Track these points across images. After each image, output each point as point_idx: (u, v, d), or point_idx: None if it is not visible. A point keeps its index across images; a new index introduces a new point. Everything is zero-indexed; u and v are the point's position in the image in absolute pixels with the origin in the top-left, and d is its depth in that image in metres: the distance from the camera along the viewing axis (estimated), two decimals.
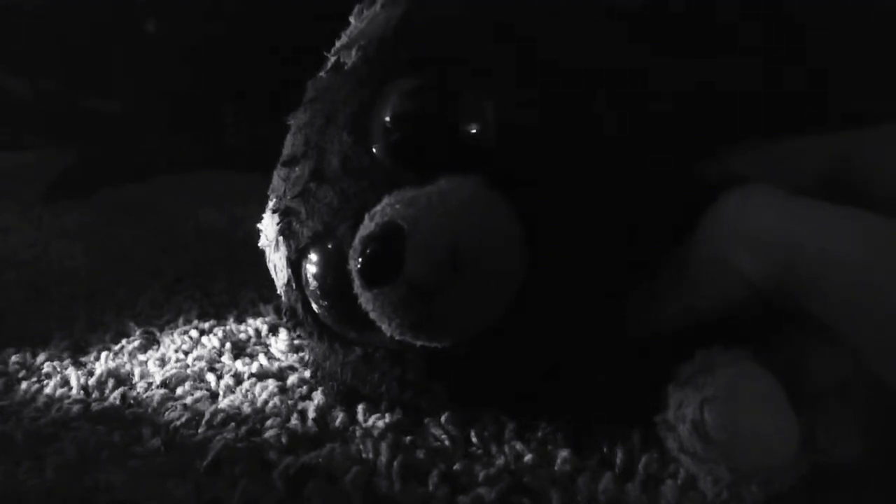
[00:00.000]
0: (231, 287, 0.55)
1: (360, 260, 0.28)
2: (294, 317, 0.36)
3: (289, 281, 0.35)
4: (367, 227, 0.29)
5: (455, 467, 0.31)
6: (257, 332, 0.47)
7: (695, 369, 0.28)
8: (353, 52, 0.33)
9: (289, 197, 0.34)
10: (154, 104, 0.92)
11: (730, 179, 0.30)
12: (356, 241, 0.29)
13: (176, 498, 0.30)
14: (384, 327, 0.29)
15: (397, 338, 0.29)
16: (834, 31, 0.34)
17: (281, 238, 0.34)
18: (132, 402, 0.38)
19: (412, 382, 0.34)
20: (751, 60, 0.33)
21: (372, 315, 0.29)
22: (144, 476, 0.31)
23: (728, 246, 0.28)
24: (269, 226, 0.35)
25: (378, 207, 0.29)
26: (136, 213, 0.79)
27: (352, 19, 0.35)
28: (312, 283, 0.33)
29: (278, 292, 0.37)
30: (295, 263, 0.34)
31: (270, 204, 0.36)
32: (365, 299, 0.29)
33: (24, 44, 0.90)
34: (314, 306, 0.34)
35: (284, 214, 0.34)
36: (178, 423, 0.35)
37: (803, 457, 0.27)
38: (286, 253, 0.34)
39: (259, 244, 0.36)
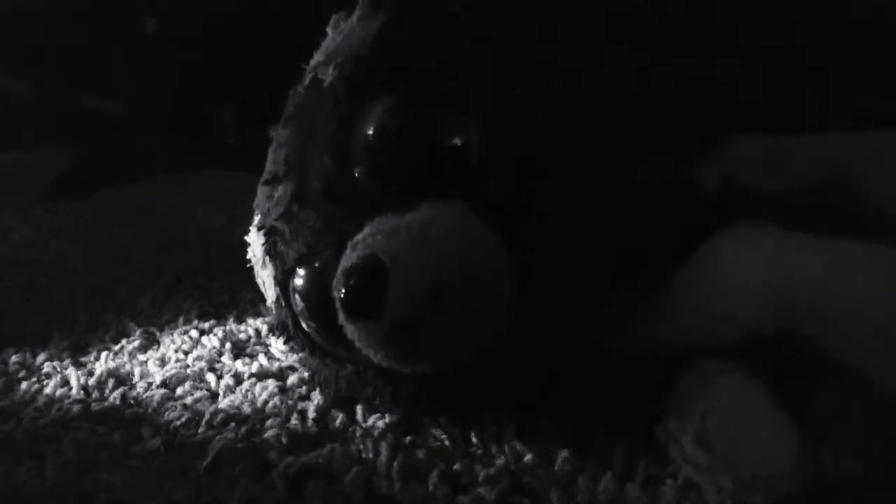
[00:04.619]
0: (231, 287, 0.55)
1: (343, 292, 0.28)
2: (286, 331, 0.36)
3: (278, 299, 0.35)
4: (349, 257, 0.29)
5: (455, 467, 0.31)
6: (257, 332, 0.47)
7: (694, 380, 0.28)
8: (331, 70, 0.33)
9: (273, 217, 0.34)
10: (154, 104, 0.92)
11: (729, 182, 0.30)
12: (339, 273, 0.29)
13: (176, 498, 0.30)
14: (370, 356, 0.29)
15: (384, 366, 0.30)
16: (834, 31, 0.34)
17: (267, 258, 0.34)
18: (132, 402, 0.38)
19: (404, 398, 0.34)
20: (748, 61, 0.33)
21: (357, 345, 0.29)
22: (144, 476, 0.31)
23: (725, 298, 0.28)
24: (255, 242, 0.35)
25: (359, 237, 0.29)
26: (136, 213, 0.79)
27: (329, 31, 0.35)
28: (300, 304, 0.33)
29: (268, 306, 0.37)
30: (282, 283, 0.34)
31: (255, 220, 0.36)
32: (350, 331, 0.29)
33: (25, 44, 0.90)
34: (303, 325, 0.34)
35: (269, 234, 0.34)
36: (178, 423, 0.35)
37: (805, 467, 0.27)
38: (273, 272, 0.34)
39: (248, 257, 0.37)
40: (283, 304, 0.35)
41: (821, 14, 0.34)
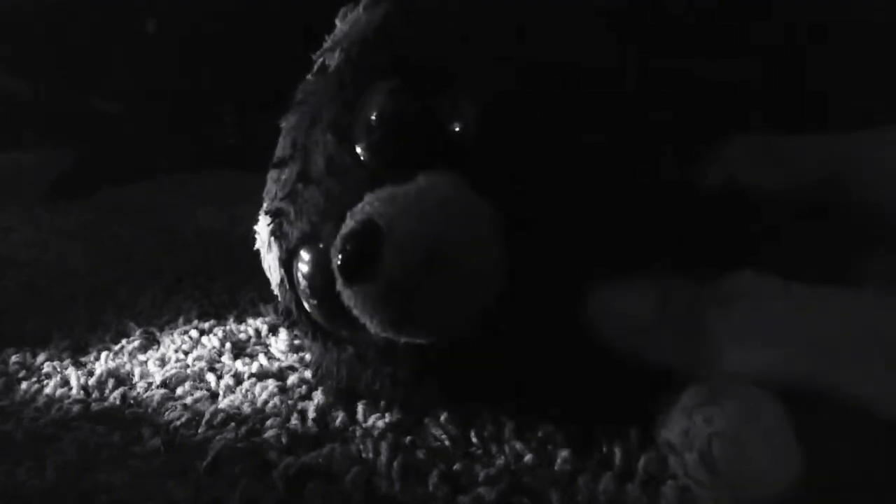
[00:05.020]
0: (231, 287, 0.55)
1: (339, 257, 0.29)
2: (290, 316, 0.36)
3: (282, 281, 0.35)
4: (347, 224, 0.29)
5: (455, 467, 0.31)
6: (257, 332, 0.47)
7: (702, 399, 0.28)
8: (336, 55, 0.34)
9: (279, 198, 0.34)
10: (154, 104, 0.92)
11: (729, 182, 0.30)
12: (337, 239, 0.29)
13: (176, 498, 0.30)
14: (367, 323, 0.30)
15: (381, 334, 0.30)
16: (834, 31, 0.34)
17: (272, 239, 0.35)
18: (132, 402, 0.38)
19: (404, 381, 0.34)
20: (745, 59, 0.33)
21: (355, 311, 0.29)
22: (144, 476, 0.31)
23: (739, 356, 0.28)
24: (263, 227, 0.36)
25: (358, 206, 0.30)
26: (136, 213, 0.79)
27: (337, 22, 0.36)
28: (302, 283, 0.33)
29: (274, 292, 0.37)
30: (286, 263, 0.34)
31: (264, 206, 0.36)
32: (347, 296, 0.29)
33: (25, 44, 0.90)
34: (306, 305, 0.34)
35: (275, 215, 0.34)
36: (178, 423, 0.35)
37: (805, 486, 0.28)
38: (278, 253, 0.35)
39: (256, 246, 0.37)
40: (287, 286, 0.35)
41: (822, 14, 0.34)
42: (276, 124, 0.36)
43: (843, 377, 0.27)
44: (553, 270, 0.30)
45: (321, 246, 0.32)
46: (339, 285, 0.29)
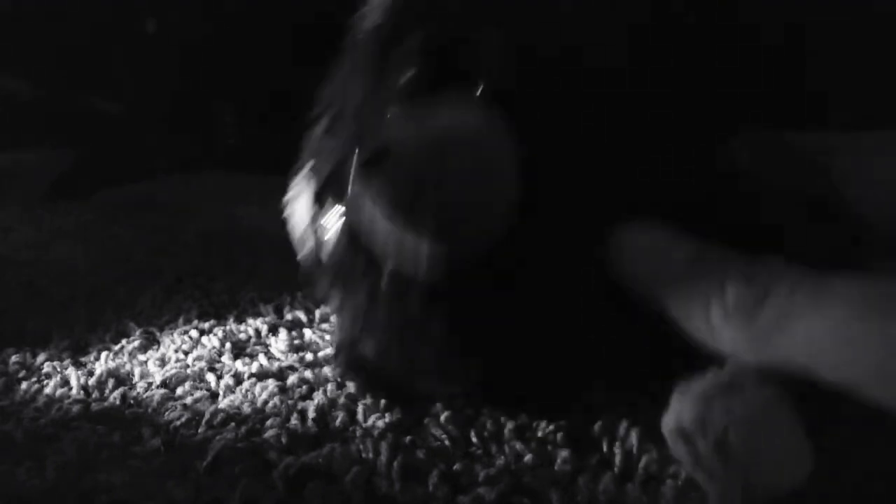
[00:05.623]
0: (231, 287, 0.55)
1: (357, 162, 0.31)
2: (318, 266, 0.36)
3: (313, 219, 0.36)
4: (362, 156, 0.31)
5: (455, 467, 0.31)
6: (257, 332, 0.47)
7: (722, 387, 0.28)
8: (372, 15, 0.34)
9: (314, 144, 0.36)
10: (154, 104, 0.92)
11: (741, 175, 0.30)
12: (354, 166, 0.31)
13: (176, 498, 0.30)
14: (378, 212, 0.30)
15: (390, 226, 0.30)
16: (834, 30, 0.34)
17: (304, 183, 0.35)
18: (132, 402, 0.38)
19: (413, 318, 0.33)
20: (751, 58, 0.33)
21: (367, 199, 0.30)
22: (144, 476, 0.31)
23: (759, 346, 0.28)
24: (296, 182, 0.37)
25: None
26: (136, 213, 0.79)
27: None
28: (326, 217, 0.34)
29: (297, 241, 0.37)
30: (318, 199, 0.35)
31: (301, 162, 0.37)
32: (359, 185, 0.30)
33: (24, 44, 0.91)
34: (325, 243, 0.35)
35: (307, 158, 0.35)
36: (178, 423, 0.35)
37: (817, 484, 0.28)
38: (311, 192, 0.35)
39: (283, 213, 0.37)
40: (314, 229, 0.35)
41: (823, 14, 0.34)
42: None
43: (867, 375, 0.26)
44: (572, 203, 0.30)
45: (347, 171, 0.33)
46: (354, 181, 0.31)
